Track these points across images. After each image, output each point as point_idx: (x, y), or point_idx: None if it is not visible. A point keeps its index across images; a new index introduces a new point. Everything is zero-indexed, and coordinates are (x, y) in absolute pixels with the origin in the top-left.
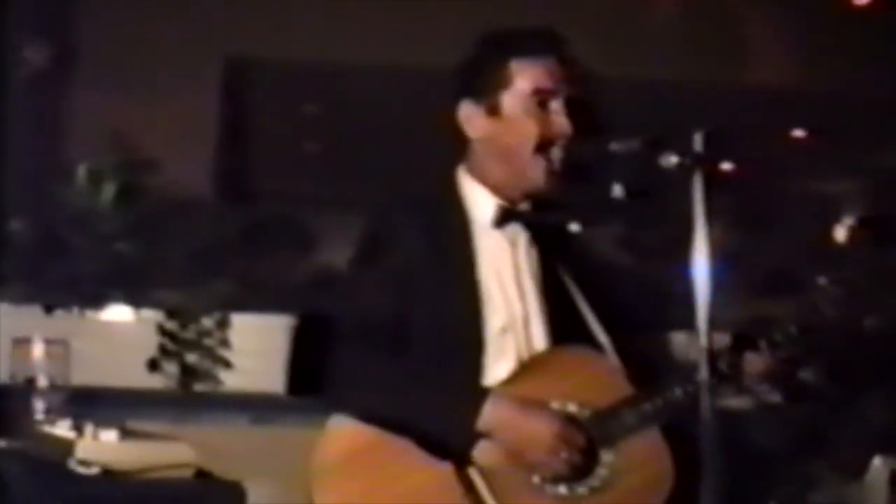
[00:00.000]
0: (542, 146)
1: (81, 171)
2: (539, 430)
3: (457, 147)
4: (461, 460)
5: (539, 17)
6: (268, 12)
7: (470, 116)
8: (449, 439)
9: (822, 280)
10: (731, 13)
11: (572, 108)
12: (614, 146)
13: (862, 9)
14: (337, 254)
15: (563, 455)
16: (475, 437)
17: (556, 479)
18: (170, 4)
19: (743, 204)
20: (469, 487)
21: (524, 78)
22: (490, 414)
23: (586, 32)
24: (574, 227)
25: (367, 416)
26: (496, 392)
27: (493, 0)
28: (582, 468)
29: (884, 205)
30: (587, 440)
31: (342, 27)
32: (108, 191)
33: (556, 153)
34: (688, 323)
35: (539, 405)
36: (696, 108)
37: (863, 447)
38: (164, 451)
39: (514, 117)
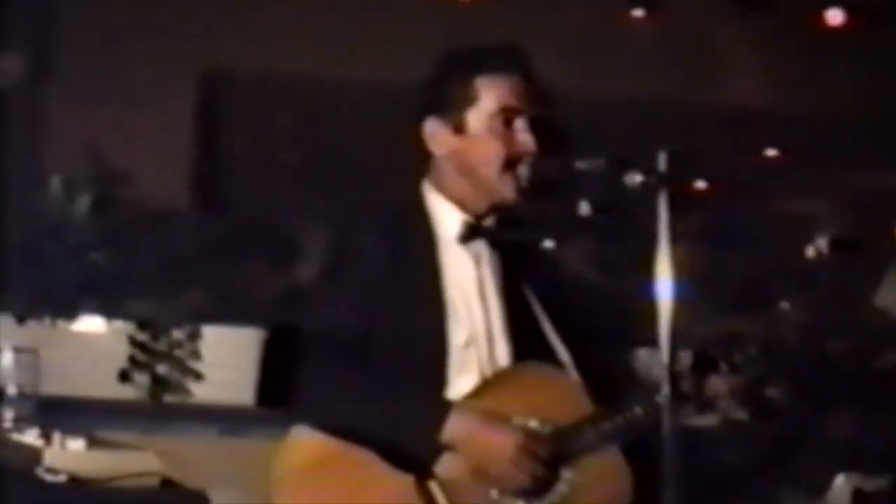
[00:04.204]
0: (508, 164)
1: (56, 182)
2: (502, 443)
3: (423, 162)
4: (423, 472)
5: (506, 34)
6: (243, 26)
7: (435, 133)
8: (412, 451)
9: (785, 303)
10: (704, 32)
11: (537, 127)
12: (580, 164)
13: (835, 29)
14: (309, 266)
15: (527, 468)
16: (438, 449)
17: (516, 494)
18: (145, 17)
19: (714, 222)
20: (429, 501)
21: (490, 95)
22: (454, 427)
23: (554, 50)
24: (545, 243)
25: (332, 428)
26: (460, 405)
27: (463, 17)
28: (542, 483)
29: (855, 225)
30: (550, 453)
31: (316, 41)
32: (83, 202)
33: (523, 170)
34: (652, 339)
35: (502, 419)
36: (667, 128)
37: (826, 465)
38: (131, 460)
39: (479, 135)
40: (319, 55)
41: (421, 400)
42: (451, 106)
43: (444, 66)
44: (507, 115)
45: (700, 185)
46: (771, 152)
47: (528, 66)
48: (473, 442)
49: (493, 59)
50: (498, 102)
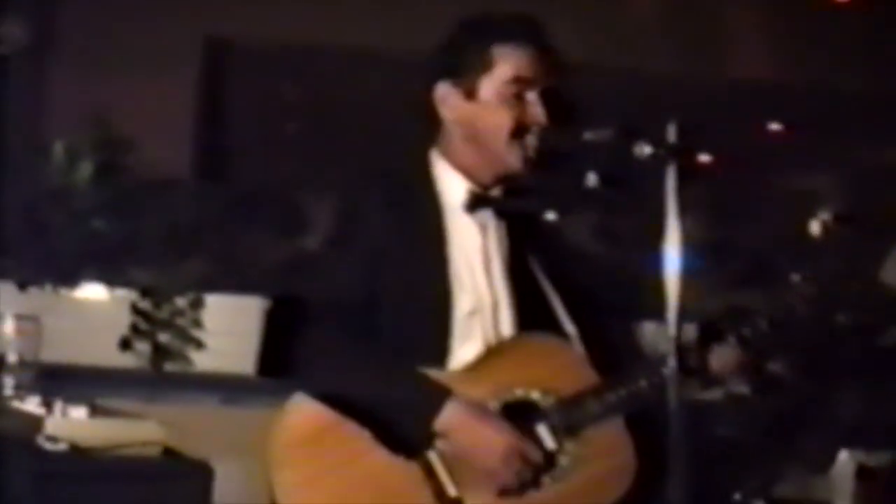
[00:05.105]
0: (516, 134)
1: (58, 148)
2: (494, 440)
3: (432, 129)
4: (414, 454)
5: (517, 4)
6: None
7: (446, 97)
8: (405, 435)
9: (794, 277)
10: (710, 5)
11: (548, 99)
12: (588, 135)
13: (842, 4)
14: (313, 236)
15: (515, 468)
16: (431, 436)
17: None
18: None
19: (719, 196)
20: (428, 470)
21: (505, 64)
22: (448, 416)
23: (565, 21)
24: (550, 215)
25: (331, 399)
26: (457, 396)
27: None
28: (526, 486)
29: (860, 200)
30: (540, 460)
31: (322, 9)
32: (85, 168)
33: (531, 140)
34: (658, 312)
35: (505, 392)
36: (673, 101)
37: (829, 441)
38: (133, 429)
39: (490, 103)
40: (326, 23)
41: (419, 383)
42: (466, 71)
43: (462, 32)
44: (520, 86)
45: (708, 157)
46: (777, 126)
47: (544, 38)
48: (466, 434)
49: (512, 28)
50: (513, 72)
